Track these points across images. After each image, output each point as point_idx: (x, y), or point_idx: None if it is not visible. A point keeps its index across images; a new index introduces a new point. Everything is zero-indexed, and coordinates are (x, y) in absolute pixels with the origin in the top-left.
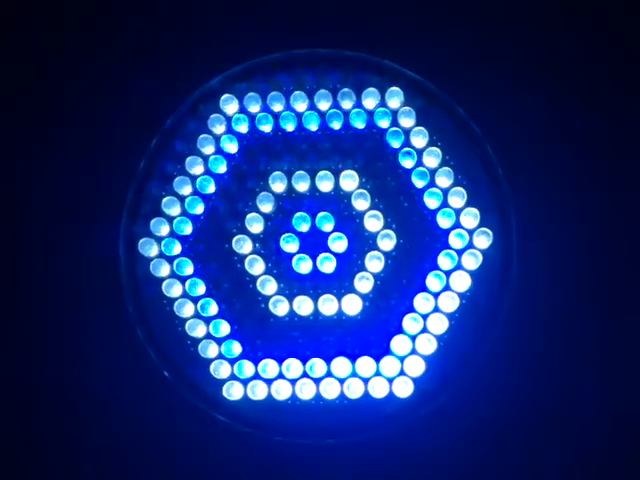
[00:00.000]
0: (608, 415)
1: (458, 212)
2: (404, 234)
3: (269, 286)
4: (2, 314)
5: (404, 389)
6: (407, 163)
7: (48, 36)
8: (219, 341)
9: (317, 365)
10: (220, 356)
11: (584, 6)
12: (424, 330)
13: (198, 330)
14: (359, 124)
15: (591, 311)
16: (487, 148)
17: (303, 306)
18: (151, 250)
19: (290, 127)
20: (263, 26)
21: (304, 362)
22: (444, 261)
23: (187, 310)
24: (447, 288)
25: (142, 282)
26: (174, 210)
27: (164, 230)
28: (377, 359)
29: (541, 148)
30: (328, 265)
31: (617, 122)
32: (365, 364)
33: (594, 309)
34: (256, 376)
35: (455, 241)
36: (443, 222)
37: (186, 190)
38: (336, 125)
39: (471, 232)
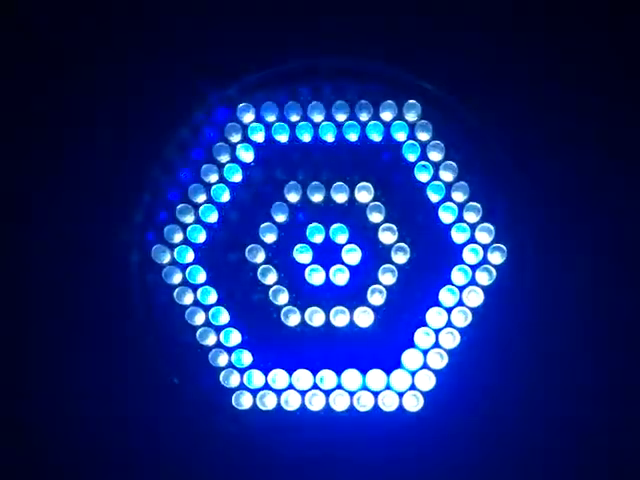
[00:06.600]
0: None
1: (473, 227)
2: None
3: (281, 296)
4: (9, 319)
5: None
6: (423, 177)
7: (62, 36)
8: (229, 350)
9: (327, 377)
10: (230, 365)
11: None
12: (436, 345)
13: (209, 339)
14: (375, 136)
15: (608, 327)
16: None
17: (315, 317)
18: (164, 257)
19: (306, 137)
20: (280, 35)
21: (314, 373)
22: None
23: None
24: (460, 303)
25: (154, 289)
26: (188, 218)
27: (177, 238)
28: (388, 372)
29: (560, 163)
30: (341, 277)
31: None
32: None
33: (610, 325)
34: (266, 386)
35: (469, 256)
36: (457, 237)
37: (200, 198)
38: (352, 137)
39: (485, 247)
